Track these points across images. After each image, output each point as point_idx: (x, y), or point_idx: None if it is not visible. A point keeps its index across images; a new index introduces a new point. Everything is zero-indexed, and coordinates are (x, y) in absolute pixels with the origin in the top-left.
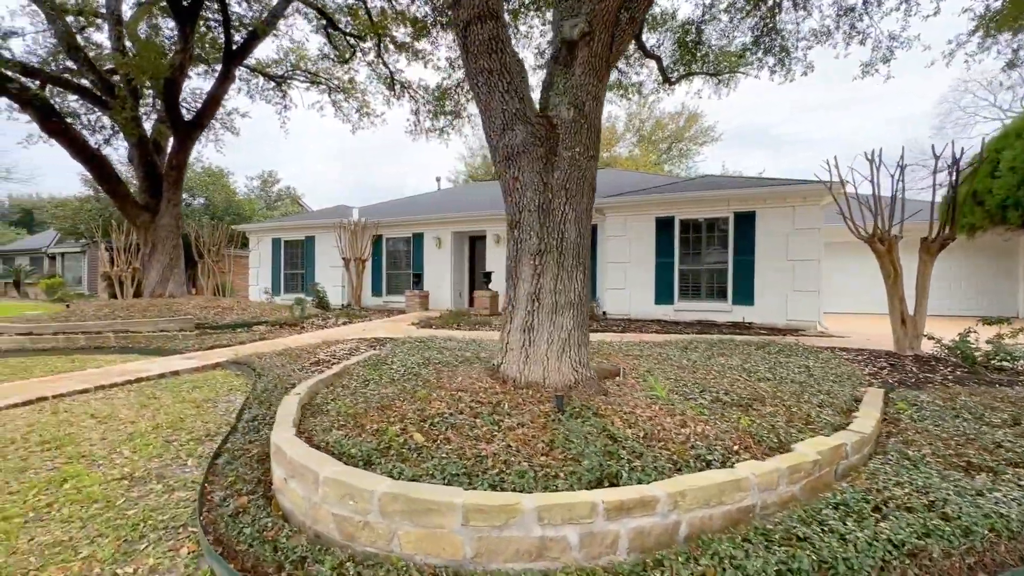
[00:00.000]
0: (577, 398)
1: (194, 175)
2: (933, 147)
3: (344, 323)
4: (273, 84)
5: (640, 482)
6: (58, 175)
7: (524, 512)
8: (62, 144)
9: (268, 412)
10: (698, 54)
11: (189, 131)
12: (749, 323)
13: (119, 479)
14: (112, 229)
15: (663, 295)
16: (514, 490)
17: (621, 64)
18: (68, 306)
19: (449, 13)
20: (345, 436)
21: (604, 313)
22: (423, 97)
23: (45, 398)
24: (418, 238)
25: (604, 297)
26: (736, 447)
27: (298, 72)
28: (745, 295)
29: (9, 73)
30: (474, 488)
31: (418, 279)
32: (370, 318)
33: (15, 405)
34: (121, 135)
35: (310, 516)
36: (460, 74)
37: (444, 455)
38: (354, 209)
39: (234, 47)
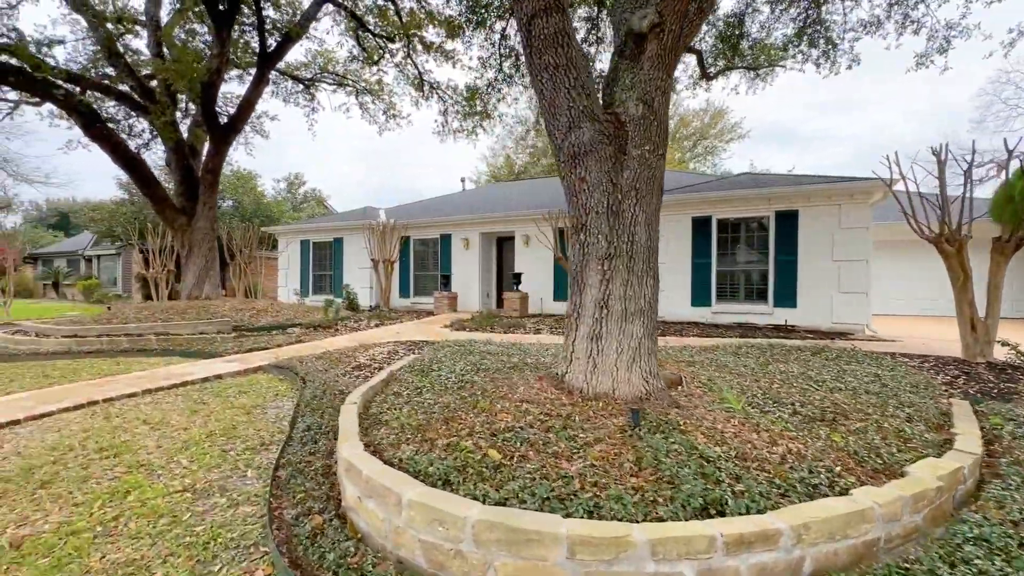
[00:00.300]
0: (651, 411)
1: (223, 178)
2: (1005, 141)
3: (376, 325)
4: (301, 87)
5: (748, 510)
6: (94, 180)
7: (636, 545)
8: (104, 149)
9: (322, 421)
10: (739, 48)
11: (224, 135)
12: (791, 326)
13: (181, 491)
14: (148, 232)
15: (700, 297)
16: (614, 517)
17: None
18: (109, 308)
19: (484, 12)
20: (417, 452)
21: None
22: (451, 97)
23: (96, 402)
24: (445, 239)
25: None
26: (838, 468)
27: (326, 74)
28: (787, 297)
29: (56, 80)
30: (569, 514)
31: (446, 280)
32: (400, 320)
33: (67, 409)
34: (158, 140)
35: (391, 540)
36: (491, 74)
37: (527, 475)
38: (380, 210)
39: (268, 50)
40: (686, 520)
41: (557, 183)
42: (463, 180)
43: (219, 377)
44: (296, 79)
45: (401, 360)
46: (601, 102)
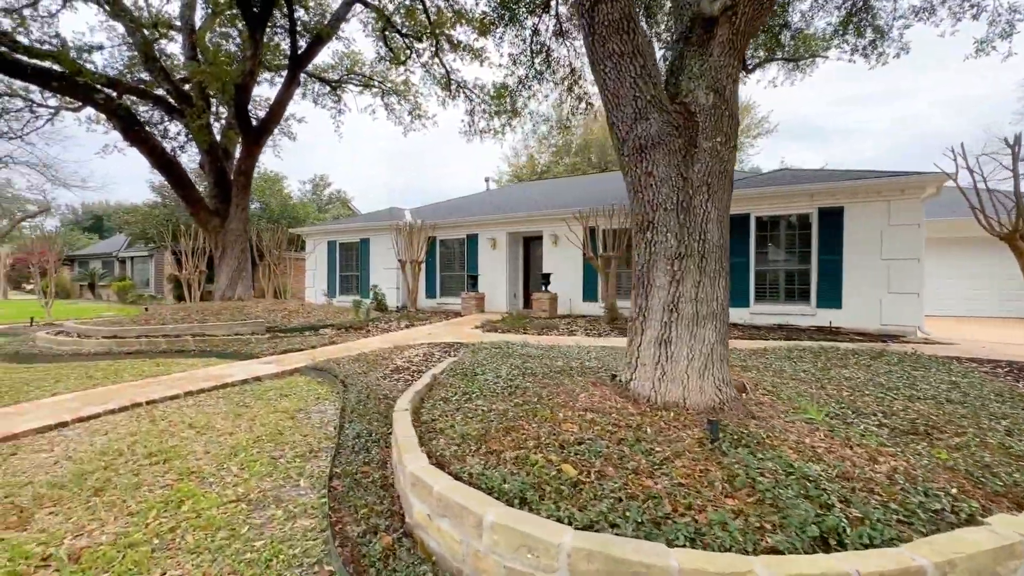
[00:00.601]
0: (728, 422)
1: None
2: None
3: (406, 326)
4: (328, 88)
5: (871, 541)
6: (128, 184)
7: None
8: (142, 151)
9: (370, 428)
10: (780, 38)
11: (257, 137)
12: (836, 327)
13: (235, 501)
14: (181, 234)
15: (738, 297)
16: (720, 546)
17: None
18: (146, 309)
19: (515, 7)
20: (486, 465)
21: None
22: (478, 96)
23: (139, 404)
24: (472, 239)
25: None
26: (954, 490)
27: (353, 76)
28: (831, 297)
29: (96, 84)
30: (670, 541)
31: (474, 281)
32: (429, 320)
33: (113, 411)
34: (192, 144)
35: (470, 565)
36: (522, 71)
37: (611, 494)
38: (405, 211)
39: (299, 52)
40: (804, 551)
41: (585, 182)
42: (487, 180)
43: (258, 379)
44: (324, 81)
45: (440, 363)
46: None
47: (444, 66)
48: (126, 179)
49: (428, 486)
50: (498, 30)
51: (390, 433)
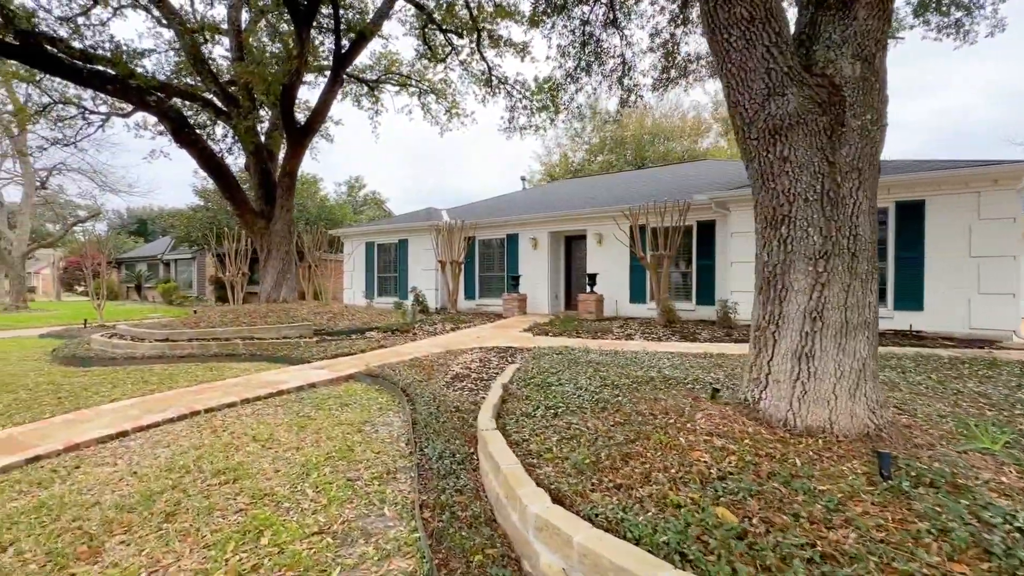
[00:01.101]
0: (897, 454)
1: None
2: None
3: (451, 329)
4: (366, 89)
5: None
6: (170, 189)
7: None
8: (191, 154)
9: (451, 447)
10: None
11: (301, 137)
12: (917, 331)
13: (318, 533)
14: (225, 236)
15: None
16: None
17: None
18: (195, 312)
19: None
20: (621, 506)
21: (719, 318)
22: (519, 92)
23: (198, 412)
24: (512, 239)
25: (732, 300)
26: None
27: (391, 76)
28: (910, 298)
29: (148, 87)
30: None
31: (516, 282)
32: (472, 323)
33: (172, 420)
34: (237, 146)
35: None
36: (571, 63)
37: (795, 551)
38: (442, 211)
39: (342, 51)
40: None
41: (627, 178)
42: (523, 179)
43: (312, 386)
44: (362, 81)
45: (503, 371)
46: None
47: (485, 61)
48: (169, 184)
49: (565, 535)
50: (548, 21)
51: (472, 453)
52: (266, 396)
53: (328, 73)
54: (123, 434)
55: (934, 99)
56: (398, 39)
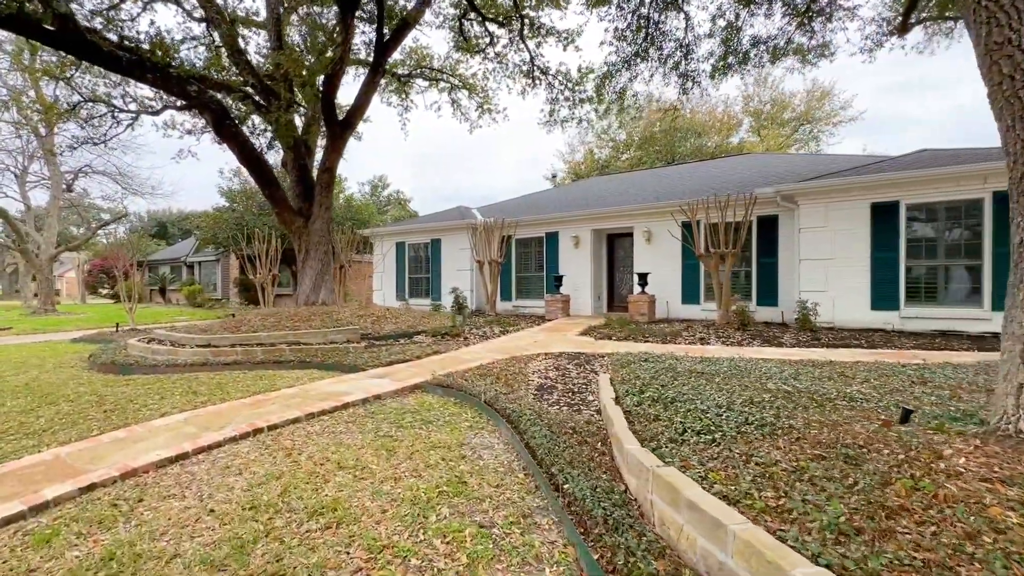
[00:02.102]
0: None
1: None
2: None
3: (501, 332)
4: (396, 84)
5: None
6: (191, 192)
7: None
8: (232, 148)
9: (597, 483)
10: None
11: (342, 131)
12: None
13: None
14: (255, 237)
15: (883, 299)
16: None
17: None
18: (233, 315)
19: None
20: None
21: (796, 319)
22: (561, 83)
23: (260, 429)
24: (552, 237)
25: (801, 301)
26: None
27: (423, 70)
28: None
29: (189, 77)
30: None
31: (559, 282)
32: (519, 326)
33: (235, 439)
34: (275, 142)
35: None
36: (628, 48)
37: None
38: (473, 209)
39: (384, 39)
40: None
41: (667, 174)
42: (553, 177)
43: (378, 398)
44: (395, 76)
45: (587, 381)
46: None
47: (528, 50)
48: (191, 187)
49: None
50: (606, 4)
51: (625, 491)
52: (331, 410)
53: (366, 68)
54: (183, 456)
55: (957, 96)
56: (428, 35)
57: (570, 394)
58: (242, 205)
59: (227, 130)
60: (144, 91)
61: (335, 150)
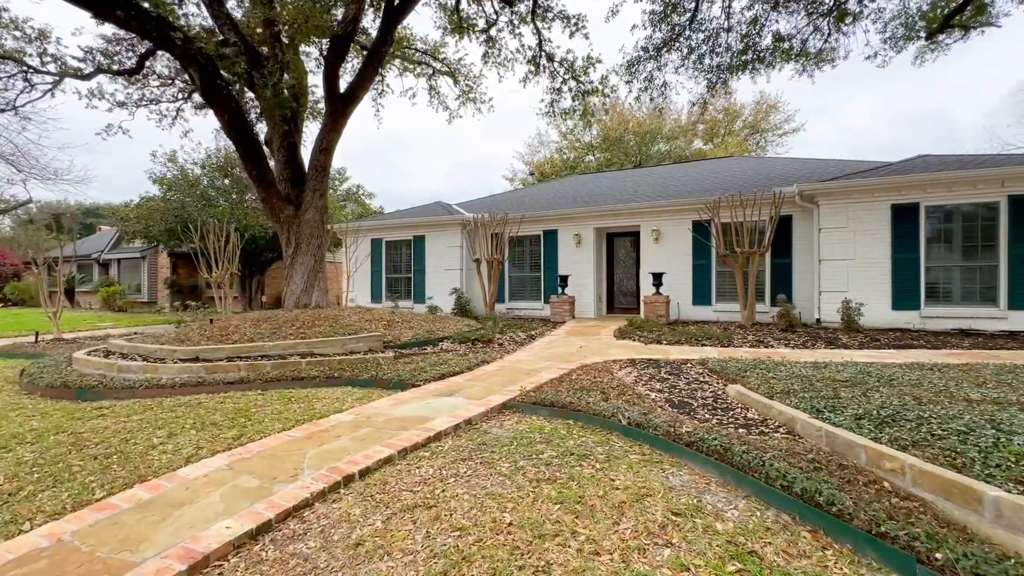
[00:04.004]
0: None
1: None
2: None
3: (528, 338)
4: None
5: None
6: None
7: None
8: (219, 114)
9: (975, 553)
10: None
11: (344, 106)
12: None
13: None
14: (211, 230)
15: (904, 298)
16: None
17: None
18: (211, 321)
19: None
20: None
21: (818, 320)
22: (566, 71)
23: (350, 476)
24: (550, 236)
25: (819, 301)
26: None
27: (405, 51)
28: None
29: (174, 22)
30: None
31: (564, 282)
32: (538, 329)
33: (323, 494)
34: (260, 120)
35: None
36: (659, 34)
37: None
38: (454, 206)
39: (395, 3)
40: None
41: (663, 173)
42: (532, 175)
43: (470, 423)
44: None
45: (715, 395)
46: None
47: (539, 33)
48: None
49: None
50: None
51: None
52: (424, 443)
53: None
54: (265, 528)
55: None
56: (418, 11)
57: (717, 410)
58: (182, 194)
59: (217, 90)
60: (71, 50)
61: (335, 128)
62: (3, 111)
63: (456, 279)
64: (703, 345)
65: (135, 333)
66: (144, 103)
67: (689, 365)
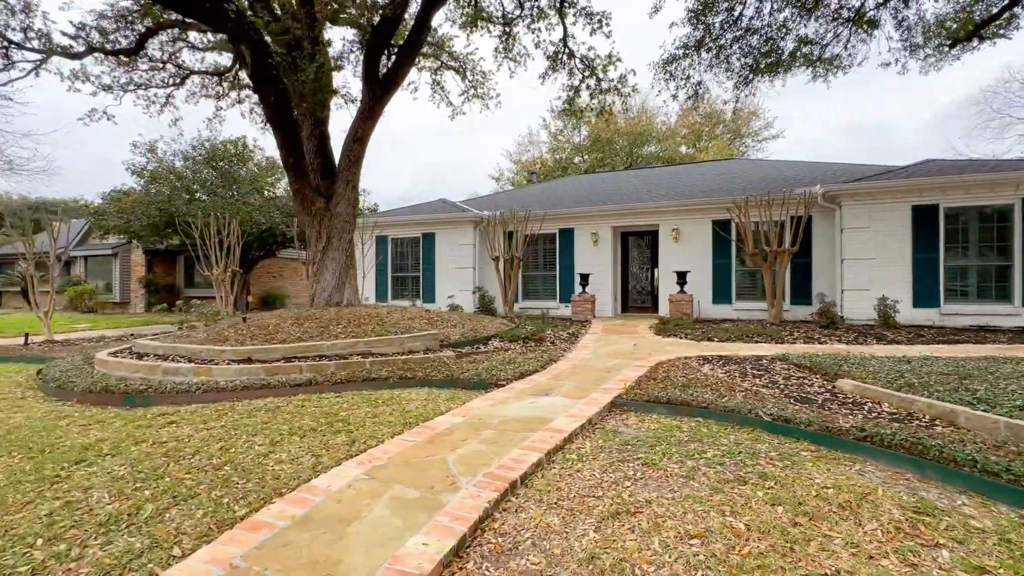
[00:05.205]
0: None
1: (250, 169)
2: None
3: (571, 336)
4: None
5: None
6: (63, 175)
7: None
8: (266, 97)
9: None
10: None
11: (382, 92)
12: None
13: None
14: (210, 224)
15: (925, 297)
16: None
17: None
18: (244, 319)
19: None
20: None
21: (841, 318)
22: (587, 69)
23: (515, 483)
24: (566, 234)
25: (842, 300)
26: None
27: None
28: None
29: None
30: None
31: (585, 281)
32: (571, 328)
33: (498, 503)
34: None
35: None
36: (698, 33)
37: None
38: (458, 203)
39: None
40: None
41: (673, 173)
42: (533, 174)
43: (591, 423)
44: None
45: (823, 393)
46: None
47: (564, 28)
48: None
49: None
50: None
51: None
52: (561, 445)
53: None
54: (462, 543)
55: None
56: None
57: (846, 405)
58: (167, 187)
59: (265, 71)
60: (61, 24)
61: (371, 116)
62: None
63: (468, 277)
64: (755, 342)
65: (131, 335)
66: (132, 87)
67: (766, 361)
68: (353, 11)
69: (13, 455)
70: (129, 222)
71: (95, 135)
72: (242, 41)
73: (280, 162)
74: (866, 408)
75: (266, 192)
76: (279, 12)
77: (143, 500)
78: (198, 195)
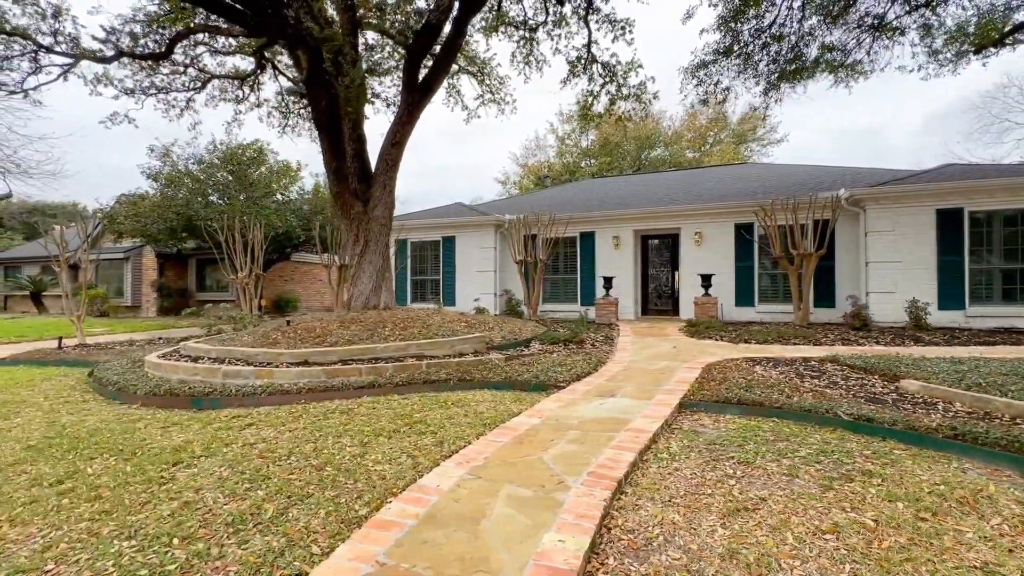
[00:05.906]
0: None
1: (261, 172)
2: None
3: (604, 339)
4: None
5: None
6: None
7: None
8: (318, 102)
9: None
10: None
11: (421, 96)
12: None
13: None
14: (233, 228)
15: (950, 299)
16: None
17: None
18: (288, 322)
19: None
20: None
21: (862, 321)
22: (608, 75)
23: (620, 481)
24: (587, 238)
25: (868, 302)
26: None
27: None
28: None
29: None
30: None
31: (608, 284)
32: (601, 331)
33: (611, 500)
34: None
35: None
36: (728, 39)
37: None
38: (472, 205)
39: None
40: None
41: (683, 177)
42: (543, 179)
43: (669, 425)
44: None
45: (887, 391)
46: None
47: (588, 30)
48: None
49: None
50: None
51: None
52: (648, 444)
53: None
54: (596, 540)
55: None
56: None
57: (918, 404)
58: (186, 190)
59: (321, 75)
60: (91, 29)
61: (409, 121)
62: (13, 93)
63: (489, 280)
64: (793, 344)
65: (159, 338)
66: (153, 91)
67: (815, 362)
68: (400, 17)
69: (106, 457)
70: (146, 225)
71: (96, 141)
72: (300, 47)
73: (323, 167)
74: (939, 408)
75: (279, 196)
76: (322, 20)
77: (260, 500)
78: (212, 198)
